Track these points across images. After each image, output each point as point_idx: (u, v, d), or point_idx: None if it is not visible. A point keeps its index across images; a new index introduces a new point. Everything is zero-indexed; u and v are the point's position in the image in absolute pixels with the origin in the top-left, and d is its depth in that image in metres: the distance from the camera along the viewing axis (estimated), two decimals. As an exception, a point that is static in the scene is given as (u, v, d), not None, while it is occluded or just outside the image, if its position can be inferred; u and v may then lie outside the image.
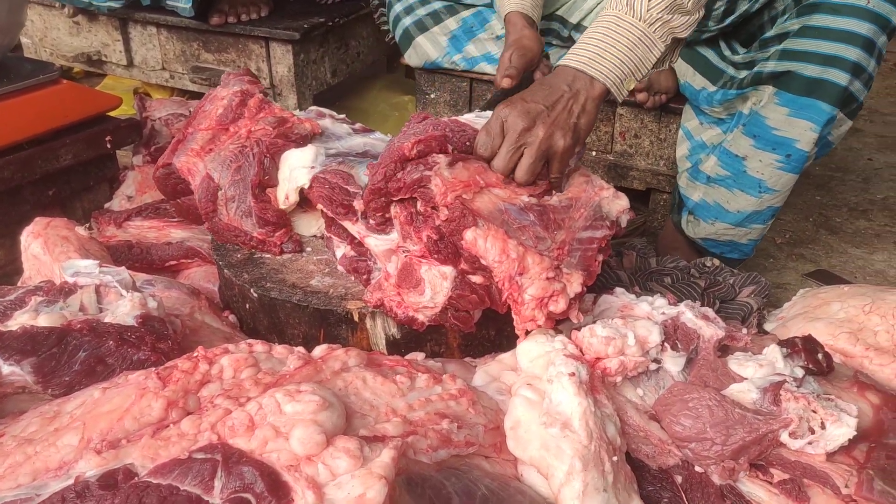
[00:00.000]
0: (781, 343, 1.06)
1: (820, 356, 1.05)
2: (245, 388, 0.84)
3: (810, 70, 1.26)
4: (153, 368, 0.84)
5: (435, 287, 1.04)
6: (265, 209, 1.19)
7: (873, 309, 1.20)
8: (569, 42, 1.65)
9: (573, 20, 1.63)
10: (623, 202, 1.10)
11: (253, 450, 0.76)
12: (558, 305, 1.00)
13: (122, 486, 0.73)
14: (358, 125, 1.34)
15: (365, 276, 1.14)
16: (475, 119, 1.12)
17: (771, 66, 1.30)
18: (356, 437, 0.79)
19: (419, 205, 1.04)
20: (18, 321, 0.92)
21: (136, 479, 0.74)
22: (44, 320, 0.91)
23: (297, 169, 1.19)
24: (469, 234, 0.99)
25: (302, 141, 1.24)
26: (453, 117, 1.11)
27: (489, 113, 1.09)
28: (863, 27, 1.22)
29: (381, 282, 1.09)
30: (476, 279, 1.03)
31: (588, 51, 1.07)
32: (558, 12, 1.65)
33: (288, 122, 1.25)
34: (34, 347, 0.84)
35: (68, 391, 0.85)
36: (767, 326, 1.30)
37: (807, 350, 1.04)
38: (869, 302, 1.22)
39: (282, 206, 1.21)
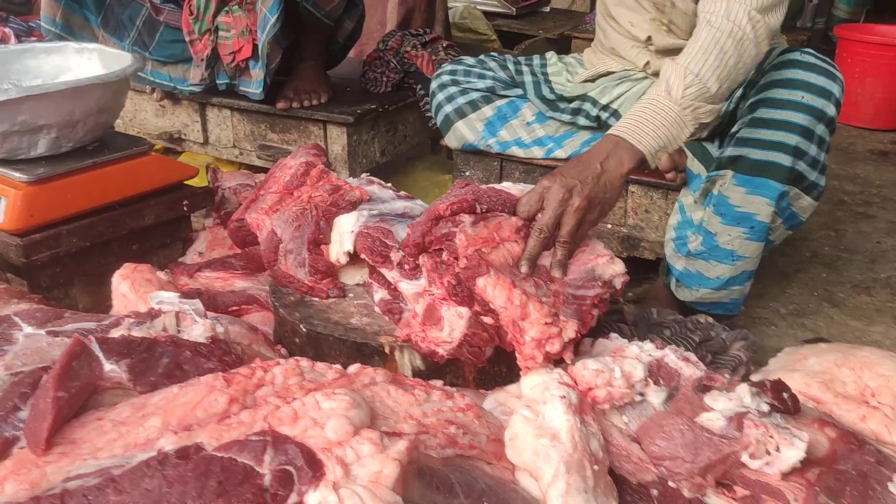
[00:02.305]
0: (752, 384, 1.22)
1: (785, 395, 1.20)
2: (292, 391, 1.04)
3: (757, 154, 1.49)
4: (220, 373, 1.05)
5: (452, 325, 1.24)
6: (317, 260, 1.41)
7: (844, 363, 1.36)
8: (595, 121, 1.87)
9: (603, 101, 1.87)
10: (618, 267, 1.30)
11: (296, 435, 0.95)
12: (554, 347, 1.18)
13: (193, 457, 0.93)
14: (401, 193, 1.57)
15: (397, 316, 1.34)
16: (511, 186, 1.36)
17: (728, 152, 1.54)
18: (378, 431, 0.98)
19: (444, 255, 1.25)
20: (115, 334, 1.14)
21: (203, 452, 0.94)
22: (135, 334, 1.13)
23: (345, 234, 1.41)
24: (481, 282, 1.20)
25: (351, 206, 1.47)
26: (492, 185, 1.35)
27: (525, 185, 1.35)
28: (799, 118, 1.46)
29: (409, 320, 1.29)
30: (487, 320, 1.23)
31: (631, 124, 1.34)
32: (591, 94, 1.89)
33: (341, 189, 1.48)
34: (129, 351, 1.06)
35: (152, 389, 1.06)
36: (753, 377, 1.45)
37: (774, 390, 1.20)
38: (841, 357, 1.38)
39: (332, 261, 1.43)
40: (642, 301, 1.84)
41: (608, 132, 1.35)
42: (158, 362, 1.08)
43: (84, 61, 1.93)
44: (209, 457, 0.92)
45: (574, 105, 1.90)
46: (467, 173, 2.12)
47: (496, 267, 1.20)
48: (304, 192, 1.50)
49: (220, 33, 2.23)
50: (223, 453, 0.93)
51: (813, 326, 1.90)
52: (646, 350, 1.27)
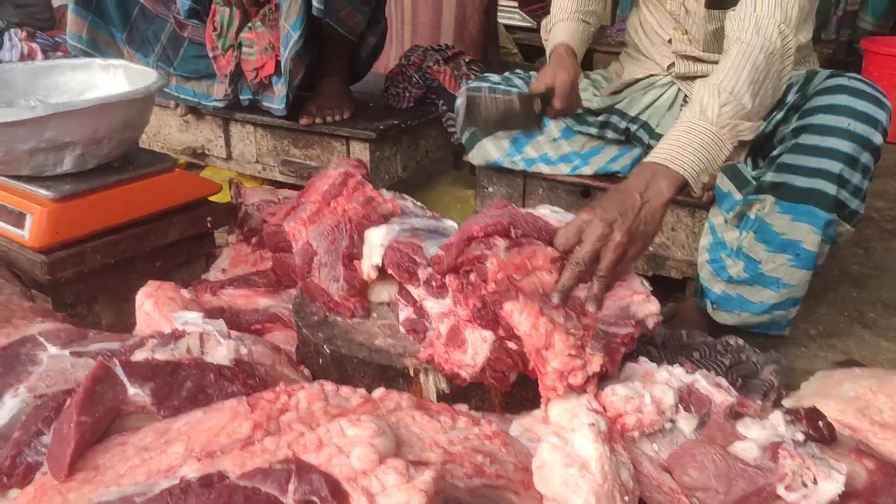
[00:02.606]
0: (786, 411, 1.19)
1: (821, 424, 1.17)
2: (316, 417, 1.02)
3: (801, 181, 1.45)
4: (244, 397, 1.04)
5: (476, 348, 1.22)
6: (353, 277, 1.40)
7: (880, 389, 1.32)
8: (624, 133, 1.85)
9: (631, 113, 1.84)
10: (653, 307, 1.27)
11: (320, 463, 0.93)
12: (576, 379, 1.16)
13: (216, 485, 0.91)
14: (431, 212, 1.55)
15: (422, 336, 1.33)
16: (549, 214, 1.33)
17: (770, 178, 1.49)
18: (404, 460, 0.96)
19: (472, 276, 1.23)
20: (138, 357, 1.14)
21: (227, 480, 0.92)
22: (159, 356, 1.12)
23: (374, 248, 1.40)
24: (508, 306, 1.18)
25: (383, 219, 1.45)
26: (530, 210, 1.33)
27: (563, 212, 1.32)
28: (844, 145, 1.41)
29: (433, 340, 1.28)
30: (512, 345, 1.21)
31: (668, 149, 1.31)
32: (618, 106, 1.87)
33: (373, 201, 1.46)
34: (153, 375, 1.05)
35: (176, 413, 1.05)
36: (785, 402, 1.42)
37: (809, 418, 1.17)
38: (877, 383, 1.34)
39: (365, 278, 1.42)
40: (671, 321, 1.81)
41: (645, 160, 1.33)
42: (182, 386, 1.07)
43: (109, 77, 1.94)
44: (232, 486, 0.91)
45: (601, 118, 1.88)
46: (490, 189, 2.10)
47: (525, 293, 1.18)
48: (339, 203, 1.49)
49: (244, 49, 2.24)
50: (247, 482, 0.91)
51: (843, 348, 1.86)
52: (676, 375, 1.24)
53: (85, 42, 2.30)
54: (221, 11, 2.24)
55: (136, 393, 1.04)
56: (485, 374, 1.23)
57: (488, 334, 1.21)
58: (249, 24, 2.23)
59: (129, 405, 1.04)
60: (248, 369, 1.16)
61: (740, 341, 1.57)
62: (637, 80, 1.88)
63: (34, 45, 3.03)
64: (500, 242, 1.23)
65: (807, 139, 1.44)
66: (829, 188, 1.42)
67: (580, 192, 1.97)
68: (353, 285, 1.40)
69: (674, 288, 1.96)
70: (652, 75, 1.85)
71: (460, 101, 2.01)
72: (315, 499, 0.90)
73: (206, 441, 0.98)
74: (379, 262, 1.37)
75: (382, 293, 1.45)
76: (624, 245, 1.23)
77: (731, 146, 1.32)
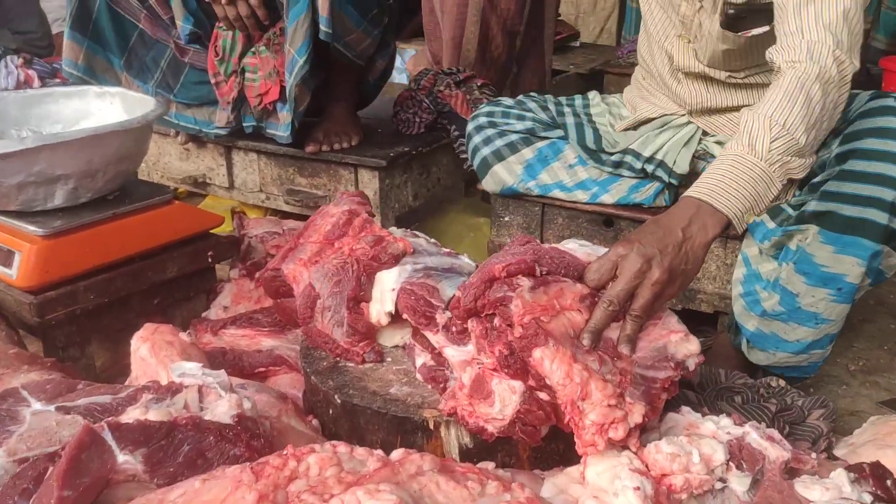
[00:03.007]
0: (849, 468, 1.07)
1: (889, 483, 1.06)
2: (329, 486, 0.91)
3: (849, 210, 1.33)
4: (248, 463, 0.93)
5: (504, 400, 1.11)
6: (357, 320, 1.29)
7: (946, 438, 1.20)
8: (641, 174, 1.75)
9: (646, 154, 1.73)
10: (692, 346, 1.15)
11: (335, 542, 0.82)
12: (618, 433, 1.04)
13: (216, 569, 0.80)
14: (447, 249, 1.44)
15: (442, 385, 1.21)
16: (577, 248, 1.22)
17: (813, 206, 1.38)
18: (430, 536, 0.84)
19: (496, 321, 1.12)
20: (131, 415, 1.02)
21: (229, 564, 0.81)
22: (153, 415, 1.01)
23: (386, 292, 1.29)
24: (537, 353, 1.06)
25: (394, 260, 1.34)
26: (555, 245, 1.22)
27: (591, 245, 1.22)
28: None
29: (455, 390, 1.16)
30: (543, 395, 1.09)
31: (711, 184, 1.19)
32: (633, 146, 1.76)
33: (383, 241, 1.35)
34: (146, 439, 0.94)
35: (171, 481, 0.93)
36: (837, 452, 1.30)
37: (875, 476, 1.05)
38: (941, 431, 1.22)
39: (373, 322, 1.31)
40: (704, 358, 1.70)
41: (685, 194, 1.21)
42: (178, 450, 0.96)
43: (106, 105, 1.85)
44: (235, 570, 0.79)
45: (615, 158, 1.78)
46: (506, 218, 1.99)
47: (555, 337, 1.07)
48: (345, 243, 1.38)
49: (247, 75, 2.14)
50: (252, 565, 0.80)
51: (887, 385, 1.74)
52: (723, 427, 1.13)
53: (81, 69, 2.21)
54: (224, 36, 2.15)
55: (127, 460, 0.92)
56: (514, 427, 1.11)
57: (517, 384, 1.10)
58: (253, 49, 2.13)
59: (119, 474, 0.92)
60: (251, 426, 1.05)
61: (782, 382, 1.46)
62: (651, 119, 1.78)
63: (31, 72, 2.95)
64: (525, 282, 1.11)
65: (854, 165, 1.33)
66: (881, 217, 1.31)
67: (603, 222, 1.86)
68: (359, 330, 1.29)
69: (704, 321, 1.84)
70: (666, 115, 1.76)
71: (472, 127, 1.92)
72: (329, 586, 0.78)
73: (205, 515, 0.86)
74: (392, 307, 1.27)
75: (395, 337, 1.34)
76: (663, 284, 1.12)
77: (781, 184, 1.20)
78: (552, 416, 1.09)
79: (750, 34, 1.48)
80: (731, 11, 1.50)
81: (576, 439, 1.06)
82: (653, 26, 1.72)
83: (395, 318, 1.30)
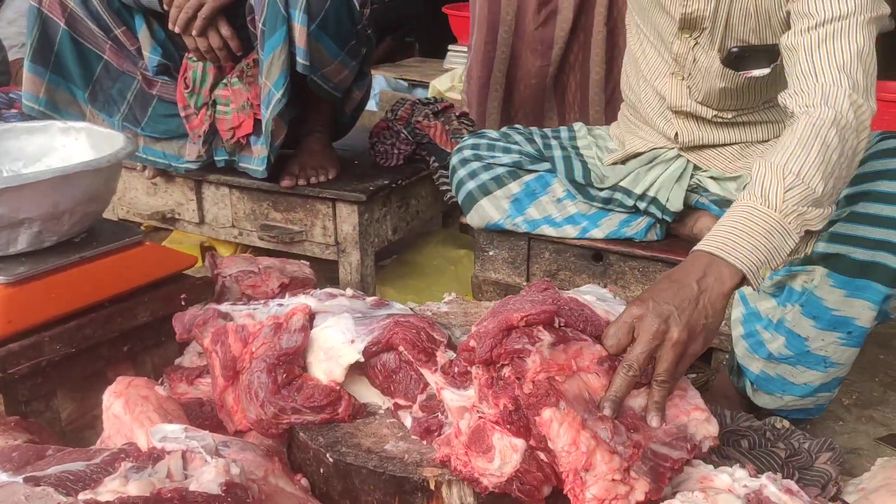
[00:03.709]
0: (870, 520, 1.02)
1: (913, 535, 1.01)
2: (332, 565, 0.83)
3: (860, 253, 1.29)
4: (241, 542, 0.85)
5: (505, 457, 1.04)
6: (310, 395, 1.20)
7: (961, 482, 1.17)
8: (632, 210, 1.70)
9: (637, 191, 1.69)
10: (713, 429, 1.10)
11: None
12: None
13: None
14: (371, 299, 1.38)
15: (437, 433, 1.14)
16: (595, 301, 1.16)
17: (821, 248, 1.33)
18: None
19: (505, 371, 1.06)
20: (109, 488, 0.94)
21: None
22: (134, 488, 0.93)
23: (340, 346, 1.21)
24: (546, 414, 1.00)
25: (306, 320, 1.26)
26: (573, 295, 1.15)
27: (610, 298, 1.16)
28: None
29: (450, 437, 1.10)
30: (543, 456, 1.03)
31: (722, 237, 1.12)
32: (622, 184, 1.72)
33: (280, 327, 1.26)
34: (128, 518, 0.86)
35: (157, 564, 0.85)
36: (848, 498, 1.26)
37: (899, 529, 1.01)
38: (955, 474, 1.19)
39: (327, 383, 1.22)
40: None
41: (696, 249, 1.14)
42: (164, 528, 0.87)
43: (70, 141, 1.76)
44: None
45: (605, 194, 1.73)
46: (490, 253, 1.94)
47: (567, 400, 1.01)
48: (245, 359, 1.28)
49: (219, 107, 2.07)
50: None
51: (882, 419, 1.72)
52: (739, 479, 1.07)
53: (43, 102, 2.11)
54: (194, 67, 2.07)
55: (108, 544, 0.84)
56: (511, 485, 1.05)
57: (520, 442, 1.03)
58: (225, 81, 2.06)
59: (98, 558, 0.83)
60: (241, 495, 0.97)
61: (786, 423, 1.42)
62: (640, 154, 1.75)
63: (-13, 104, 2.83)
64: (546, 337, 1.05)
65: (866, 207, 1.29)
66: (892, 261, 1.28)
67: (591, 256, 1.82)
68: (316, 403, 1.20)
69: (699, 357, 1.80)
70: (656, 149, 1.73)
71: (456, 160, 1.87)
72: None
73: None
74: (356, 357, 1.19)
75: (372, 392, 1.25)
76: (684, 343, 1.05)
77: (798, 237, 1.13)
78: (552, 478, 1.03)
79: (750, 74, 1.45)
80: (735, 50, 1.47)
81: None
82: (645, 66, 1.68)
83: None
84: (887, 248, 1.27)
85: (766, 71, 1.46)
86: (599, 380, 1.06)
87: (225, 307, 1.38)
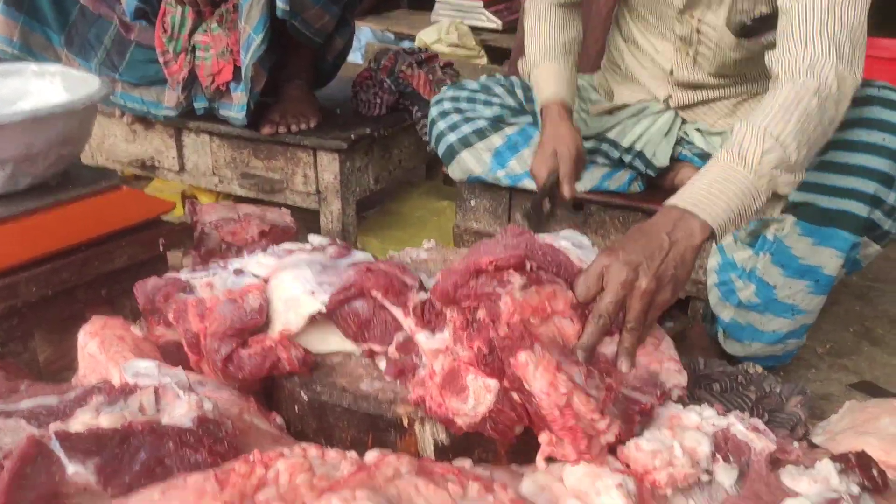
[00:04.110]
0: (834, 458, 1.04)
1: (875, 472, 1.03)
2: (300, 493, 0.85)
3: (828, 202, 1.30)
4: (211, 471, 0.86)
5: (479, 398, 1.05)
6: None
7: (925, 423, 1.19)
8: (617, 162, 1.70)
9: (624, 143, 1.69)
10: (682, 379, 1.12)
11: (310, 557, 0.76)
12: (592, 449, 1.00)
13: (180, 591, 0.73)
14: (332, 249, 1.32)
15: (411, 374, 1.15)
16: (571, 247, 1.16)
17: (791, 196, 1.34)
18: (411, 546, 0.79)
19: (479, 313, 1.06)
20: (80, 419, 0.94)
21: (194, 584, 0.74)
22: (105, 420, 0.93)
23: (294, 297, 1.18)
24: (522, 357, 1.01)
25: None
26: (548, 241, 1.15)
27: (587, 245, 1.16)
28: (879, 162, 1.27)
29: (424, 379, 1.10)
30: (516, 397, 1.04)
31: (697, 193, 1.13)
32: (609, 135, 1.71)
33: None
34: (98, 448, 0.86)
35: (127, 492, 0.86)
36: (815, 439, 1.28)
37: (861, 466, 1.03)
38: (920, 416, 1.21)
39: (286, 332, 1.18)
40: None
41: (668, 203, 1.15)
42: (135, 458, 0.88)
43: (45, 85, 1.73)
44: (201, 591, 0.73)
45: (590, 145, 1.72)
46: (472, 203, 1.94)
47: (542, 343, 1.01)
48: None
49: (198, 53, 2.04)
50: (219, 585, 0.73)
51: (855, 368, 1.75)
52: (707, 418, 1.09)
53: (17, 46, 2.07)
54: (172, 12, 2.03)
55: (77, 471, 0.84)
56: (484, 424, 1.06)
57: (493, 383, 1.04)
58: (204, 26, 2.03)
59: (69, 486, 0.84)
60: (213, 429, 0.98)
61: (759, 369, 1.43)
62: (628, 105, 1.73)
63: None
64: (517, 279, 1.06)
65: (835, 156, 1.29)
66: (861, 209, 1.28)
67: (572, 206, 1.81)
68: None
69: (675, 306, 1.82)
70: (643, 101, 1.71)
71: (436, 112, 1.84)
72: None
73: (166, 530, 0.79)
74: (319, 306, 1.16)
75: (329, 342, 1.23)
76: (652, 292, 1.06)
77: (766, 198, 1.15)
78: (524, 417, 1.05)
79: (766, 38, 1.43)
80: (749, 23, 1.45)
81: (546, 447, 1.02)
82: (647, 45, 1.66)
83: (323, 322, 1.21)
84: (856, 196, 1.28)
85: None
86: (573, 326, 1.06)
87: (185, 275, 1.32)
